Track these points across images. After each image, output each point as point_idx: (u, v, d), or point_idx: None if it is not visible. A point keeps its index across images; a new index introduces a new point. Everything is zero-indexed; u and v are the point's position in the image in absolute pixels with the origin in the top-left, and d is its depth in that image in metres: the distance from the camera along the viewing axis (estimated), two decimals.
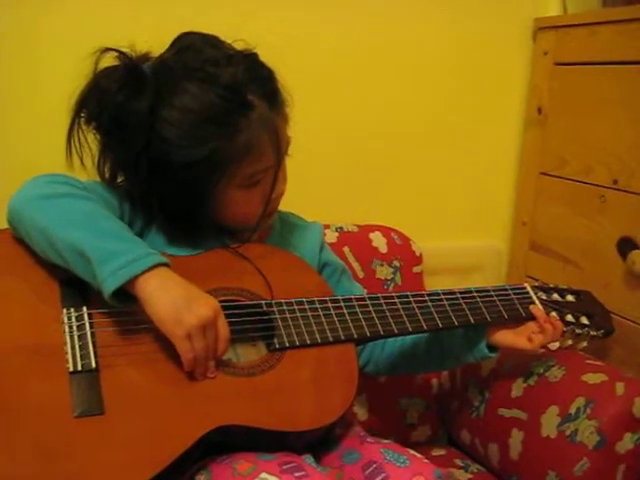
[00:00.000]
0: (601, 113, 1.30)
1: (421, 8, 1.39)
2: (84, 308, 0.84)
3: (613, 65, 1.27)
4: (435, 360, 1.09)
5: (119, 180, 0.94)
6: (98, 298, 0.81)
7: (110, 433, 0.75)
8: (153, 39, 0.91)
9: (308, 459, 0.81)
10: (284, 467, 0.76)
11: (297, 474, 0.75)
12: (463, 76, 1.45)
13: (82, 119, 0.90)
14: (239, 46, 0.93)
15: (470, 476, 1.19)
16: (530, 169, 1.50)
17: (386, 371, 1.13)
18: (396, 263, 1.35)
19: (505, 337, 1.04)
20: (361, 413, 1.26)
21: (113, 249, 0.79)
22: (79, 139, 0.90)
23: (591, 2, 1.44)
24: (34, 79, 1.19)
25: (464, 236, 1.53)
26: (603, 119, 1.30)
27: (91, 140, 0.91)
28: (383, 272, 1.33)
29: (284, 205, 1.03)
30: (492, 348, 1.04)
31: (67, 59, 1.09)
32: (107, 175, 0.93)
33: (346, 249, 1.30)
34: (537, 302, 1.10)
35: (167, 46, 0.93)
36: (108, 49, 0.88)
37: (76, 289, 0.84)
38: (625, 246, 1.25)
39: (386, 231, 1.37)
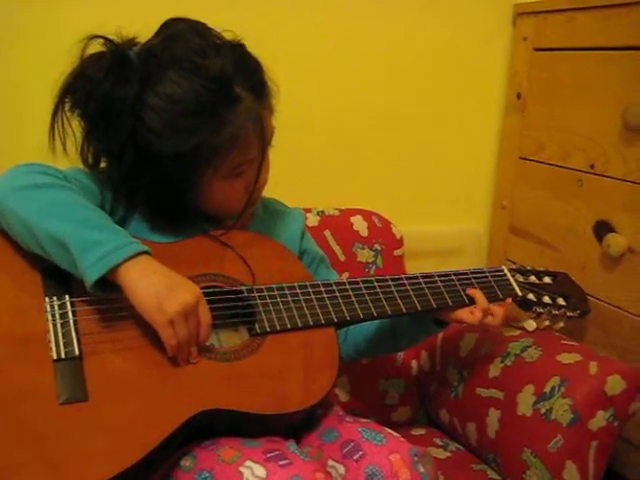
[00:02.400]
0: (579, 98, 1.32)
1: None
2: (66, 296, 0.84)
3: (591, 51, 1.28)
4: (390, 341, 1.10)
5: (102, 165, 0.94)
6: (80, 286, 0.81)
7: (95, 419, 0.76)
8: (139, 23, 0.90)
9: (292, 446, 0.82)
10: (268, 455, 0.77)
11: (281, 462, 0.76)
12: (443, 61, 1.46)
13: (66, 105, 0.89)
14: (227, 36, 0.92)
15: (449, 454, 1.22)
16: (509, 154, 1.52)
17: (349, 358, 1.14)
18: (377, 246, 1.36)
19: (449, 311, 1.05)
20: (342, 395, 1.28)
21: (94, 239, 0.80)
22: (62, 125, 0.89)
23: None
24: (15, 65, 1.18)
25: (445, 220, 1.55)
26: (581, 104, 1.32)
27: (74, 126, 0.90)
28: (364, 255, 1.35)
29: (266, 190, 1.04)
30: (439, 322, 1.07)
31: (50, 44, 1.10)
32: (90, 161, 0.92)
33: (327, 233, 1.32)
34: (514, 284, 1.13)
35: (154, 31, 0.92)
36: (95, 36, 0.87)
37: (58, 278, 0.84)
38: (601, 229, 1.28)
39: (367, 215, 1.38)
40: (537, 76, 1.43)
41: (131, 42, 0.90)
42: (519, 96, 1.47)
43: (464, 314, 1.03)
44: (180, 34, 0.89)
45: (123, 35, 0.89)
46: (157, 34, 0.91)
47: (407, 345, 1.14)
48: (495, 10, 1.46)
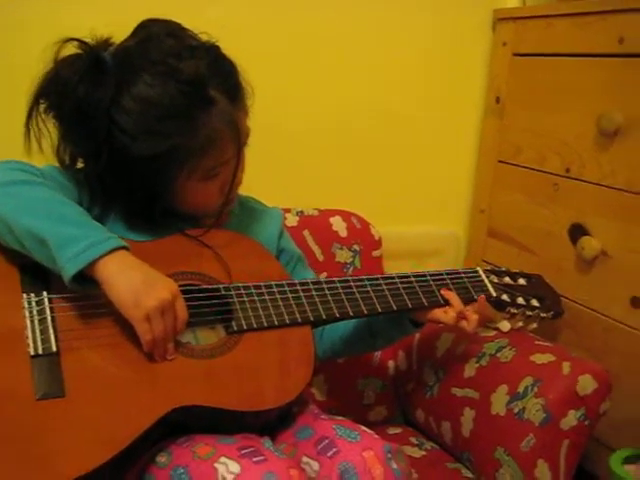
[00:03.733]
0: (555, 103, 1.34)
1: None
2: (44, 293, 0.84)
3: (568, 57, 1.30)
4: (367, 341, 1.11)
5: (79, 165, 0.94)
6: (58, 283, 0.81)
7: (71, 414, 0.76)
8: (113, 24, 0.89)
9: (267, 443, 0.83)
10: (243, 451, 0.78)
11: (255, 459, 0.77)
12: (423, 65, 1.48)
13: (41, 106, 0.88)
14: (203, 38, 0.92)
15: (424, 453, 1.23)
16: (488, 157, 1.53)
17: (325, 357, 1.15)
18: (356, 247, 1.37)
19: (425, 311, 1.06)
20: (319, 394, 1.29)
21: (72, 234, 0.80)
22: (37, 125, 0.89)
23: None
24: None
25: (423, 222, 1.57)
26: (557, 109, 1.34)
27: (50, 127, 0.90)
28: (343, 256, 1.36)
29: (246, 189, 1.04)
30: (414, 322, 1.08)
31: (27, 44, 1.09)
32: (67, 161, 0.93)
33: (306, 233, 1.33)
34: (489, 285, 1.14)
35: (130, 29, 0.92)
36: (70, 39, 0.87)
37: (36, 274, 0.85)
38: (576, 232, 1.30)
39: (346, 215, 1.39)
40: (516, 81, 1.45)
41: (106, 43, 0.89)
42: (498, 100, 1.49)
43: (439, 314, 1.05)
44: (155, 36, 0.89)
45: (97, 36, 0.89)
46: (132, 35, 0.91)
47: (383, 345, 1.15)
48: (475, 15, 1.48)
